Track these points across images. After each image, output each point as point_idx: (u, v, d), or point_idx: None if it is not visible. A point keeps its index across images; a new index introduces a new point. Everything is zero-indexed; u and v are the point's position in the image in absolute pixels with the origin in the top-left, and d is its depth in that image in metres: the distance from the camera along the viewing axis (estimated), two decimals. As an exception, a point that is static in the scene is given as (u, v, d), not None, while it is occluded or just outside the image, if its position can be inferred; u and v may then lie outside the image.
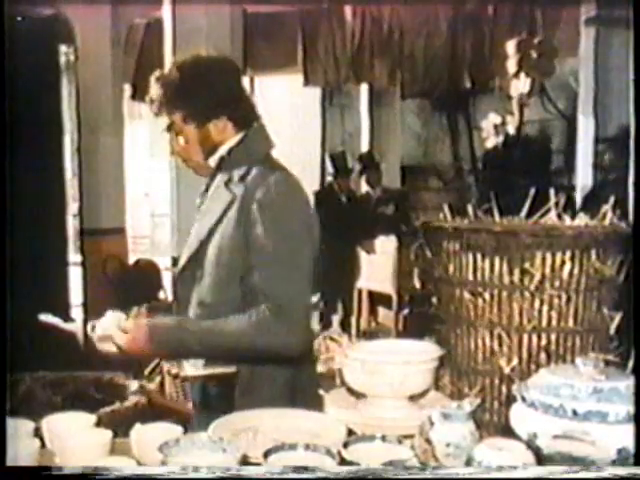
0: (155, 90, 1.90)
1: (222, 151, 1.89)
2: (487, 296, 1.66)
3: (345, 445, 1.47)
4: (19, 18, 5.13)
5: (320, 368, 2.04)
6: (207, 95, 1.87)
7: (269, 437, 1.54)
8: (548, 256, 1.66)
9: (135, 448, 1.55)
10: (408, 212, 6.30)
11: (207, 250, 1.85)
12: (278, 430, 1.58)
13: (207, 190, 1.95)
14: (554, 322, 1.67)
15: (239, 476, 1.26)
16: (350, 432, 1.58)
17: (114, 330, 1.82)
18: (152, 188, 10.40)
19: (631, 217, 1.13)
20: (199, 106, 1.87)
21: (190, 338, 1.79)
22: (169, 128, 1.91)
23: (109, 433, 1.56)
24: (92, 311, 5.65)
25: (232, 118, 1.88)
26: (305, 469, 1.28)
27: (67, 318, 5.91)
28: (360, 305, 6.27)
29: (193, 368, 1.86)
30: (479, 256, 1.66)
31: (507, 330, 1.65)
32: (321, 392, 1.71)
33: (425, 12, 6.06)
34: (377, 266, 5.75)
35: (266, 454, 1.43)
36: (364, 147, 8.32)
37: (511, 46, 3.83)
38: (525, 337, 1.66)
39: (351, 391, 1.71)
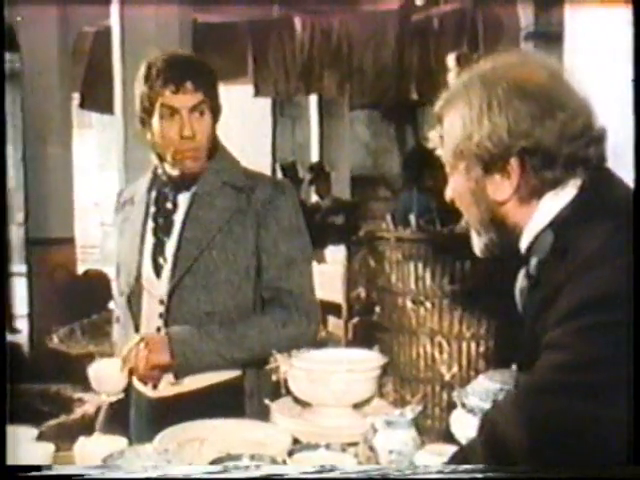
0: (186, 65, 1.81)
1: (216, 155, 1.87)
2: (428, 305, 1.69)
3: (290, 454, 1.49)
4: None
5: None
6: (218, 92, 1.86)
7: (215, 448, 1.54)
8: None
9: (79, 461, 1.54)
10: (357, 222, 6.35)
11: (210, 258, 1.82)
12: (224, 440, 1.58)
13: (174, 197, 1.88)
14: (493, 329, 1.72)
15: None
16: (296, 441, 1.59)
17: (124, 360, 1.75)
18: (102, 197, 10.28)
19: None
20: (219, 99, 1.85)
21: (215, 348, 1.78)
22: (194, 108, 1.78)
23: (51, 447, 1.55)
24: (38, 322, 5.57)
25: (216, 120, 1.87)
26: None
27: (12, 329, 5.81)
28: (311, 314, 6.26)
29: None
30: (420, 265, 1.70)
31: (447, 338, 1.69)
32: (267, 401, 1.72)
33: (373, 25, 6.14)
34: (327, 275, 5.76)
35: (211, 465, 1.43)
36: (314, 157, 8.37)
37: (451, 59, 3.91)
38: (464, 344, 1.70)
39: (297, 400, 1.72)
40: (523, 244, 1.22)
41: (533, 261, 1.19)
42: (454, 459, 1.22)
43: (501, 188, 1.18)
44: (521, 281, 1.24)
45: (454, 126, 1.21)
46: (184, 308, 1.83)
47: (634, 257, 1.08)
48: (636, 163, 1.24)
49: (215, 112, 1.84)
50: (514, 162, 1.16)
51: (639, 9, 1.31)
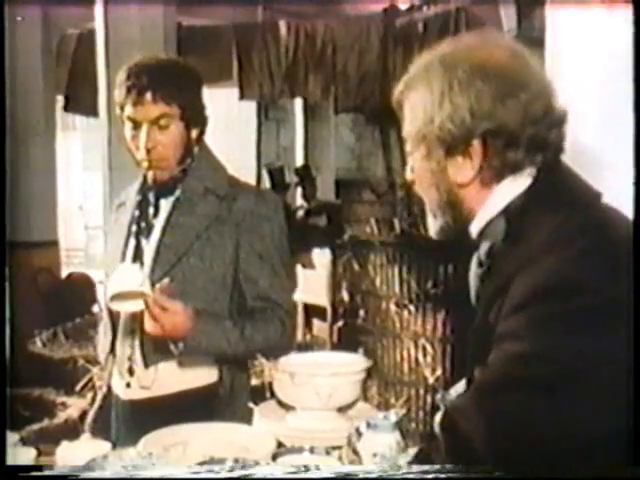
0: (148, 75, 1.76)
1: (189, 161, 1.85)
2: (412, 308, 1.70)
3: (274, 458, 1.49)
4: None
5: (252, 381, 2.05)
6: (199, 97, 1.84)
7: (199, 452, 1.54)
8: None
9: (61, 465, 1.53)
10: (342, 225, 6.37)
11: (188, 265, 1.81)
12: (208, 444, 1.58)
13: (156, 202, 1.88)
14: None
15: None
16: (280, 445, 1.59)
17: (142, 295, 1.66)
18: (86, 200, 10.24)
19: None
20: (196, 106, 1.82)
21: (225, 339, 1.77)
22: (156, 120, 1.76)
23: (32, 452, 1.54)
24: (21, 326, 5.53)
25: (202, 129, 1.86)
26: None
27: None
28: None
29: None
30: (404, 269, 1.71)
31: (431, 341, 1.70)
32: (251, 405, 1.72)
33: (357, 29, 6.17)
34: (312, 278, 5.77)
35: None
36: (299, 161, 8.38)
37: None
38: (448, 347, 1.71)
39: (281, 403, 1.72)
40: (474, 229, 1.21)
41: (483, 247, 1.18)
42: (416, 459, 1.22)
43: (463, 170, 1.17)
44: (474, 268, 1.22)
45: (415, 110, 1.20)
46: None
47: (634, 258, 1.08)
48: (636, 164, 1.25)
49: (189, 120, 1.81)
50: (476, 144, 1.14)
51: (639, 9, 1.31)
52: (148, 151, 1.78)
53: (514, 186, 1.16)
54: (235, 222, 1.82)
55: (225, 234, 1.82)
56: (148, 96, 1.75)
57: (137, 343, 1.85)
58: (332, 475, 1.26)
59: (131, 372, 1.85)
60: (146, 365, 1.83)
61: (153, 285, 1.76)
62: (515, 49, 1.19)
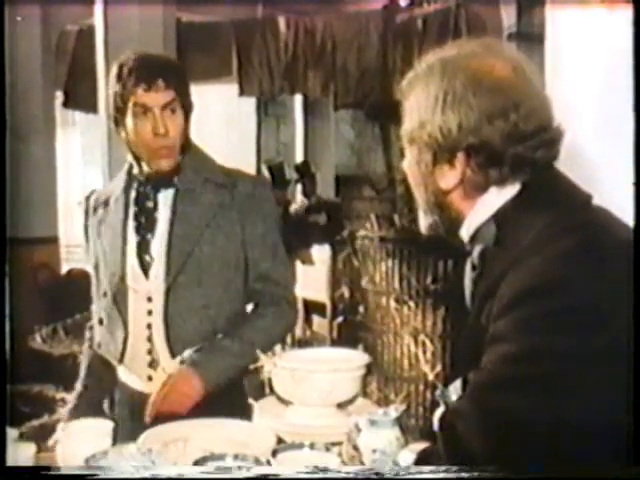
0: (152, 64, 1.82)
1: (185, 152, 1.89)
2: (412, 304, 1.70)
3: (274, 453, 1.49)
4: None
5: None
6: (189, 88, 1.89)
7: (199, 447, 1.54)
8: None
9: (61, 462, 1.54)
10: (342, 221, 6.37)
11: (202, 254, 1.85)
12: (208, 440, 1.59)
13: (154, 196, 1.88)
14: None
15: None
16: (280, 440, 1.59)
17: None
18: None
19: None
20: (189, 96, 1.88)
21: (234, 362, 1.84)
22: (166, 105, 1.80)
23: (32, 447, 1.54)
24: (20, 322, 5.53)
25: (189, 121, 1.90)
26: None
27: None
28: (295, 314, 6.26)
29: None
30: (404, 265, 1.71)
31: (431, 337, 1.70)
32: (251, 401, 1.72)
33: (357, 25, 6.18)
34: (312, 274, 5.78)
35: (195, 464, 1.43)
36: (299, 157, 8.37)
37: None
38: (448, 343, 1.71)
39: (281, 399, 1.72)
40: (465, 234, 1.23)
41: (476, 251, 1.20)
42: (419, 462, 1.23)
43: (447, 178, 1.19)
44: (468, 272, 1.24)
45: (412, 111, 1.22)
46: (180, 304, 1.85)
47: (634, 258, 1.09)
48: (636, 163, 1.25)
49: (186, 109, 1.86)
50: (461, 156, 1.17)
51: (639, 9, 1.30)
52: (158, 137, 1.80)
53: (502, 193, 1.17)
54: (238, 207, 1.88)
55: (232, 220, 1.88)
56: (160, 82, 1.79)
57: (158, 336, 1.86)
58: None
59: (152, 365, 1.87)
60: (173, 355, 1.85)
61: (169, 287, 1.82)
62: (516, 63, 1.19)
